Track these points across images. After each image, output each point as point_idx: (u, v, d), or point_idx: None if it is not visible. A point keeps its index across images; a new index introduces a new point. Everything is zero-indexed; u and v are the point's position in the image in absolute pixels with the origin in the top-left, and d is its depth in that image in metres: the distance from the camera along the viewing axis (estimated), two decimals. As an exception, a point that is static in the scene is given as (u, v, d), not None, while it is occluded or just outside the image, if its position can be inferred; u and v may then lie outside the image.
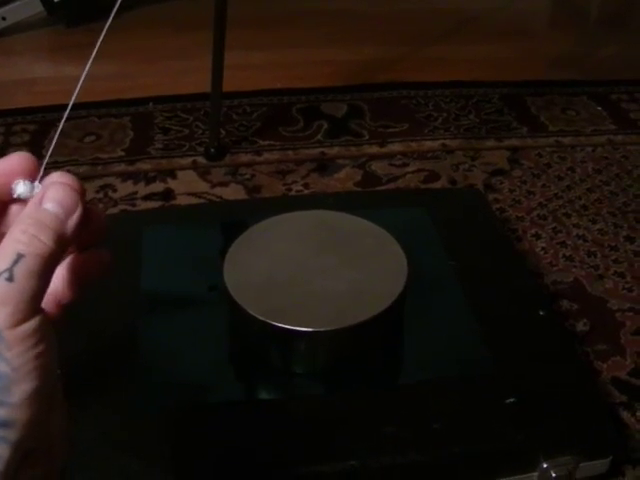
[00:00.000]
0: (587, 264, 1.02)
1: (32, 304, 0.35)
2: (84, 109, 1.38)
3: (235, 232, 0.80)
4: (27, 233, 0.36)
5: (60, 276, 0.42)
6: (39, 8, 1.71)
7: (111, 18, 0.44)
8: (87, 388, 0.70)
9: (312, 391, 0.72)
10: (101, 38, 0.43)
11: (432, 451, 0.67)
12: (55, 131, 1.31)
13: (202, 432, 0.67)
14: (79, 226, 0.38)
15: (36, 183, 0.40)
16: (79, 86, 0.43)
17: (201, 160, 1.24)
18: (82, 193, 0.40)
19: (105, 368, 0.73)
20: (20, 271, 0.35)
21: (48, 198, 0.38)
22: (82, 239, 0.42)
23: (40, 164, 0.41)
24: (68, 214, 0.38)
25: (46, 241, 0.36)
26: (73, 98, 0.43)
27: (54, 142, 0.46)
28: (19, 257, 0.35)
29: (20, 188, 0.39)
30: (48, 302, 0.40)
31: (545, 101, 1.44)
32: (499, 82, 1.50)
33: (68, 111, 0.43)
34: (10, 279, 0.34)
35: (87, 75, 0.43)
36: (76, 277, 0.42)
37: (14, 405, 0.34)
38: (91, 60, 0.43)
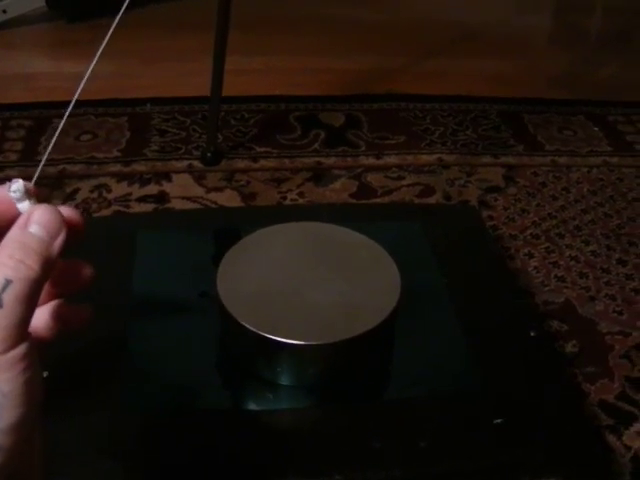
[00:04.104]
0: (579, 285, 1.02)
1: (21, 329, 0.35)
2: (81, 107, 1.38)
3: (229, 240, 0.79)
4: (14, 258, 0.36)
5: (42, 320, 0.42)
6: (40, 2, 1.72)
7: (118, 17, 0.44)
8: (73, 391, 0.70)
9: (299, 404, 0.72)
10: (107, 38, 0.43)
11: (417, 468, 0.67)
12: (54, 129, 1.31)
13: (186, 440, 0.66)
14: (64, 249, 0.39)
15: (30, 184, 0.40)
16: (81, 85, 0.43)
17: (197, 164, 1.24)
18: (82, 226, 0.41)
19: (93, 371, 0.72)
20: (9, 297, 0.35)
21: (33, 221, 0.38)
22: (68, 287, 0.43)
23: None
24: (53, 237, 0.38)
25: (33, 265, 0.36)
26: (75, 98, 0.43)
27: (52, 142, 0.46)
28: (7, 283, 0.35)
29: (15, 186, 0.39)
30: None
31: (542, 119, 1.44)
32: (497, 98, 1.50)
33: (69, 110, 0.43)
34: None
35: (88, 74, 0.43)
36: (57, 324, 0.43)
37: (2, 430, 0.35)
38: (96, 59, 0.43)
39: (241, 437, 0.67)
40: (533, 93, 1.54)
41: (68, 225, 0.39)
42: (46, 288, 0.42)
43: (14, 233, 0.38)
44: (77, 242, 0.41)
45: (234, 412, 0.71)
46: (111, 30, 0.44)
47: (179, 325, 0.78)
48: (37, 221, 0.38)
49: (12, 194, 0.39)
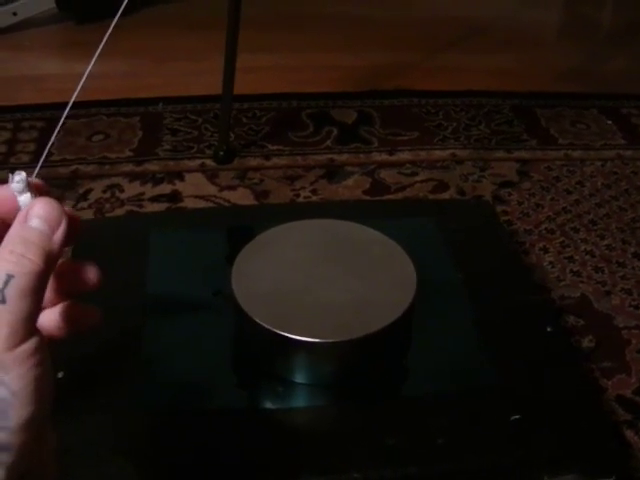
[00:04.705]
0: (594, 280, 1.01)
1: (27, 324, 0.35)
2: (94, 107, 1.38)
3: (243, 238, 0.79)
4: (15, 253, 0.36)
5: (52, 319, 0.43)
6: (50, 4, 1.71)
7: (117, 16, 0.44)
8: (88, 391, 0.70)
9: (315, 402, 0.72)
10: (106, 35, 0.43)
11: (434, 465, 0.66)
12: (65, 129, 1.31)
13: (201, 439, 0.66)
14: (65, 240, 0.38)
15: (31, 178, 0.40)
16: (81, 83, 0.44)
17: (209, 163, 1.24)
18: (76, 217, 0.41)
19: (108, 371, 0.72)
20: (11, 292, 0.34)
21: (33, 215, 0.38)
22: (75, 289, 0.43)
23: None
24: (53, 229, 0.38)
25: (34, 259, 0.36)
26: (75, 94, 0.44)
27: (53, 137, 0.47)
28: (9, 278, 0.35)
29: (18, 177, 0.39)
30: None
31: (555, 113, 1.43)
32: (510, 93, 1.49)
33: (69, 107, 0.44)
34: (2, 301, 0.34)
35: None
36: (67, 324, 0.43)
37: (12, 429, 0.34)
38: (95, 57, 0.43)
39: (257, 436, 0.67)
40: (544, 87, 1.52)
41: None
42: (54, 289, 0.42)
43: (15, 228, 0.38)
44: (74, 236, 0.41)
45: (250, 411, 0.71)
46: (110, 30, 0.43)
47: (193, 324, 0.78)
48: (37, 214, 0.38)
49: (15, 185, 0.39)
